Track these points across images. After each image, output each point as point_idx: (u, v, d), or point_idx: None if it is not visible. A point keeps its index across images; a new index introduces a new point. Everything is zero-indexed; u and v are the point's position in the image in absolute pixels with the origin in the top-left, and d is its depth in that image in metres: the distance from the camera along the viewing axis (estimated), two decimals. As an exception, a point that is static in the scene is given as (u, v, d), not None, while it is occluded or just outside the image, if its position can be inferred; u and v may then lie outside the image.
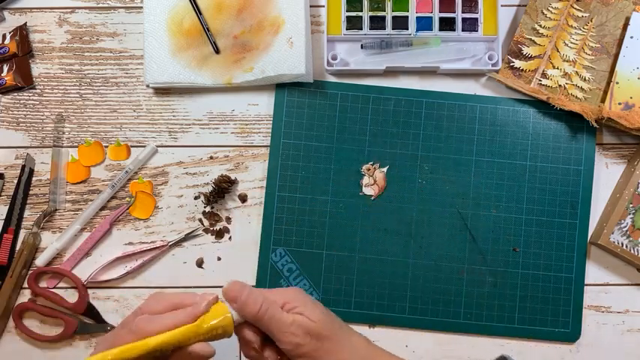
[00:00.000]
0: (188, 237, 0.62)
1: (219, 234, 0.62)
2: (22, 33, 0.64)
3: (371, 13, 0.63)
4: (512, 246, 0.62)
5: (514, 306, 0.61)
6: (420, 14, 0.63)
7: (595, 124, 0.60)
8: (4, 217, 0.62)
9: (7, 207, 0.62)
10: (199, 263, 0.62)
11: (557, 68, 0.62)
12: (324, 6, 0.64)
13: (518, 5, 0.65)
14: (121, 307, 0.61)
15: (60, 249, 0.61)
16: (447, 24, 0.63)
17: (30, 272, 0.61)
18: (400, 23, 0.63)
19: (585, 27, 0.63)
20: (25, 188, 0.62)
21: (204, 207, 0.63)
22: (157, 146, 0.63)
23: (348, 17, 0.62)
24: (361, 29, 0.63)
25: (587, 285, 0.62)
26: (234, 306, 0.42)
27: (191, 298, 0.42)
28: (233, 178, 0.62)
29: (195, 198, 0.63)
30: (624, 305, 0.62)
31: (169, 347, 0.39)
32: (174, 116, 0.64)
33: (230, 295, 0.43)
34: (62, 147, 0.63)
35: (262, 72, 0.62)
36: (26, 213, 0.62)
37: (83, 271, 0.61)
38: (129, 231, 0.62)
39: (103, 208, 0.62)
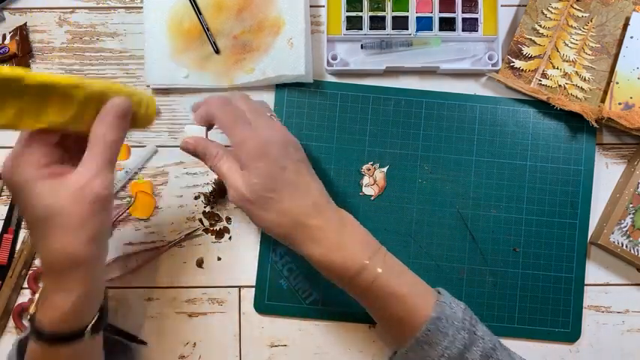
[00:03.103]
0: (188, 237, 0.62)
1: (219, 234, 0.62)
2: (22, 33, 0.64)
3: (371, 13, 0.63)
4: (512, 246, 0.62)
5: (514, 306, 0.61)
6: (420, 14, 0.63)
7: (595, 124, 0.60)
8: (4, 217, 0.62)
9: (7, 207, 0.62)
10: (199, 263, 0.62)
11: (557, 68, 0.62)
12: (324, 6, 0.64)
13: (518, 5, 0.65)
14: (121, 307, 0.61)
15: (60, 249, 0.61)
16: (447, 24, 0.63)
17: (30, 272, 0.61)
18: (400, 23, 0.63)
19: (585, 27, 0.63)
20: (25, 188, 0.62)
21: (204, 207, 0.63)
22: (157, 146, 0.63)
23: (348, 17, 0.62)
24: (361, 29, 0.63)
25: (587, 285, 0.62)
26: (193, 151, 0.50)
27: None
28: (233, 178, 0.62)
29: (196, 198, 0.63)
30: (624, 305, 0.62)
31: (95, 92, 0.38)
32: (174, 116, 0.64)
33: (185, 149, 0.50)
34: (62, 147, 0.63)
35: (263, 73, 0.62)
36: (26, 213, 0.62)
37: (83, 271, 0.61)
38: (129, 231, 0.62)
39: (103, 208, 0.62)
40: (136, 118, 0.41)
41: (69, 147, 0.43)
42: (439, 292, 0.50)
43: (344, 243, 0.47)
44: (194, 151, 0.50)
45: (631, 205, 0.60)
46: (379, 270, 0.47)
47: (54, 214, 0.38)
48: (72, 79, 0.38)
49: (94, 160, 0.39)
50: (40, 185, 0.39)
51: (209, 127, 0.51)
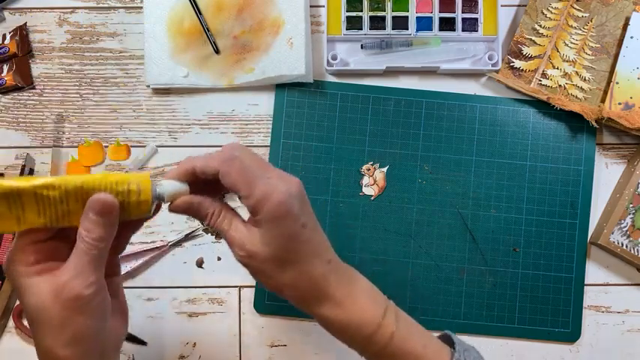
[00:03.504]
0: (188, 237, 0.62)
1: (219, 234, 0.62)
2: (22, 33, 0.64)
3: (371, 13, 0.63)
4: (512, 246, 0.62)
5: (514, 306, 0.61)
6: (420, 14, 0.63)
7: (595, 124, 0.60)
8: (4, 217, 0.62)
9: (7, 207, 0.62)
10: (199, 263, 0.62)
11: (557, 68, 0.62)
12: (324, 6, 0.64)
13: (518, 5, 0.65)
14: (121, 307, 0.61)
15: (60, 249, 0.61)
16: (447, 24, 0.63)
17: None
18: (400, 23, 0.63)
19: (585, 27, 0.63)
20: (25, 188, 0.62)
21: (204, 207, 0.62)
22: (157, 146, 0.63)
23: (348, 17, 0.62)
24: (361, 29, 0.63)
25: (587, 285, 0.62)
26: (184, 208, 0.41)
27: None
28: (233, 178, 0.62)
29: (195, 198, 0.63)
30: (624, 305, 0.62)
31: (71, 189, 0.37)
32: (174, 116, 0.64)
33: (177, 211, 0.41)
34: (62, 147, 0.63)
35: (263, 72, 0.62)
36: (26, 213, 0.62)
37: (83, 271, 0.61)
38: (129, 231, 0.62)
39: (103, 208, 0.62)
40: (126, 207, 0.38)
41: (70, 238, 0.40)
42: (450, 337, 0.48)
43: (358, 301, 0.44)
44: (186, 212, 0.42)
45: (631, 205, 0.60)
46: (394, 328, 0.44)
47: (38, 313, 0.37)
48: (44, 181, 0.36)
49: (77, 259, 0.37)
50: (29, 283, 0.38)
51: (195, 182, 0.43)
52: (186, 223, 0.62)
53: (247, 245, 0.41)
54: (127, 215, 0.39)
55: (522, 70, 0.62)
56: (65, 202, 0.37)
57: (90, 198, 0.37)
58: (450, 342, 0.47)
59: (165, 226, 0.62)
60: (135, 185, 0.38)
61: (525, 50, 0.62)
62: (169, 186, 0.40)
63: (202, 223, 0.43)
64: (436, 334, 0.48)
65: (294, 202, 0.41)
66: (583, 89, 0.62)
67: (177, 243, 0.62)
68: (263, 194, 0.40)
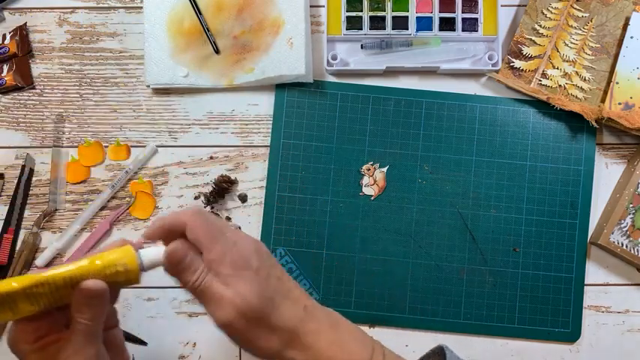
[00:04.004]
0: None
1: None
2: (22, 33, 0.64)
3: (371, 13, 0.63)
4: (512, 246, 0.62)
5: (514, 306, 0.61)
6: (420, 14, 0.63)
7: (595, 124, 0.60)
8: (4, 217, 0.62)
9: (7, 207, 0.62)
10: (199, 263, 0.62)
11: (557, 68, 0.62)
12: (324, 6, 0.64)
13: (518, 5, 0.65)
14: (120, 307, 0.61)
15: (60, 249, 0.61)
16: (447, 24, 0.63)
17: (30, 272, 0.61)
18: (400, 23, 0.63)
19: (585, 27, 0.63)
20: (25, 188, 0.62)
21: (204, 207, 0.63)
22: (157, 146, 0.63)
23: (348, 17, 0.62)
24: (361, 29, 0.63)
25: (587, 285, 0.62)
26: (171, 269, 0.41)
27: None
28: (233, 178, 0.62)
29: (195, 198, 0.63)
30: (624, 305, 0.62)
31: (60, 282, 0.38)
32: (174, 116, 0.64)
33: (173, 261, 0.41)
34: (62, 147, 0.63)
35: (263, 72, 0.62)
36: (26, 213, 0.62)
37: (83, 271, 0.61)
38: (129, 231, 0.62)
39: (103, 208, 0.62)
40: (117, 284, 0.41)
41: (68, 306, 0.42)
42: (443, 349, 0.47)
43: (343, 343, 0.43)
44: (179, 263, 0.41)
45: (631, 205, 0.60)
46: None
47: None
48: (33, 280, 0.38)
49: (75, 337, 0.40)
50: (33, 358, 0.40)
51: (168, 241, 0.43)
52: (186, 223, 0.62)
53: (230, 302, 0.40)
54: (118, 287, 0.42)
55: (522, 70, 0.62)
56: (56, 291, 0.39)
57: (79, 286, 0.39)
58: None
59: (165, 226, 0.62)
60: (122, 266, 0.40)
61: (525, 50, 0.62)
62: (151, 254, 0.41)
63: (183, 281, 0.41)
64: (433, 345, 0.47)
65: (252, 254, 0.41)
66: (583, 89, 0.62)
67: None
68: (222, 251, 0.40)
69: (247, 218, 0.63)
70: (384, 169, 0.62)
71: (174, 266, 0.41)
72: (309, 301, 0.44)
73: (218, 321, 0.40)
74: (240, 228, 0.62)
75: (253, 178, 0.63)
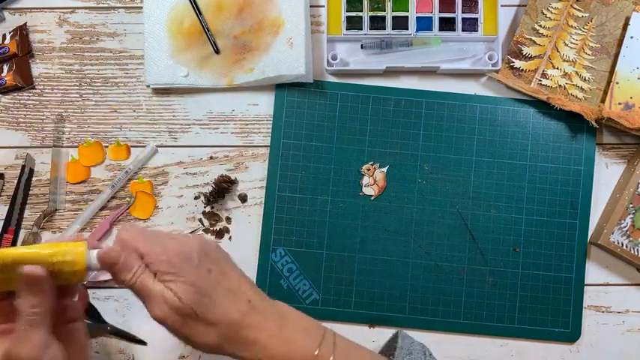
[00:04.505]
0: None
1: (219, 234, 0.62)
2: (22, 33, 0.64)
3: (371, 13, 0.63)
4: (512, 246, 0.62)
5: (514, 306, 0.61)
6: (420, 14, 0.63)
7: (595, 124, 0.60)
8: (4, 217, 0.62)
9: (7, 207, 0.62)
10: (199, 263, 0.62)
11: (557, 68, 0.62)
12: (324, 6, 0.64)
13: (518, 5, 0.65)
14: (120, 307, 0.61)
15: (60, 249, 0.61)
16: (447, 24, 0.63)
17: (30, 272, 0.61)
18: (400, 23, 0.63)
19: (585, 27, 0.63)
20: (25, 188, 0.62)
21: (204, 207, 0.63)
22: (157, 146, 0.63)
23: (348, 17, 0.62)
24: (361, 29, 0.63)
25: (587, 285, 0.62)
26: (109, 270, 0.43)
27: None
28: (233, 178, 0.62)
29: (195, 198, 0.63)
30: (624, 305, 0.62)
31: (8, 261, 0.40)
32: (174, 116, 0.64)
33: (106, 261, 0.42)
34: (62, 147, 0.63)
35: (262, 72, 0.62)
36: (26, 213, 0.62)
37: (83, 271, 0.61)
38: (129, 231, 0.62)
39: (103, 208, 0.62)
40: (64, 275, 0.42)
41: None
42: (397, 336, 0.49)
43: (289, 338, 0.44)
44: (115, 263, 0.42)
45: (631, 205, 0.60)
46: (331, 355, 0.44)
47: None
48: None
49: (19, 325, 0.41)
50: None
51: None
52: (186, 224, 0.62)
53: (166, 299, 0.41)
54: (65, 281, 0.43)
55: (522, 70, 0.62)
56: (4, 271, 0.40)
57: (20, 270, 0.40)
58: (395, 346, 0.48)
59: (165, 225, 0.62)
60: (70, 257, 0.41)
61: (525, 50, 0.62)
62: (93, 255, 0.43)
63: (119, 280, 0.43)
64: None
65: (191, 252, 0.42)
66: (583, 89, 0.62)
67: None
68: (157, 249, 0.42)
69: (247, 218, 0.63)
70: (384, 169, 0.62)
71: (109, 267, 0.42)
72: (257, 295, 0.45)
73: (153, 317, 0.42)
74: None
75: (253, 178, 0.63)
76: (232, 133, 0.64)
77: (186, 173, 0.63)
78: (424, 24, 0.63)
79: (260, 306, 0.44)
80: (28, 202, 0.63)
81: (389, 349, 0.53)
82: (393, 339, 0.52)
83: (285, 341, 0.43)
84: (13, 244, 0.61)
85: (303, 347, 0.44)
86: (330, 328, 0.47)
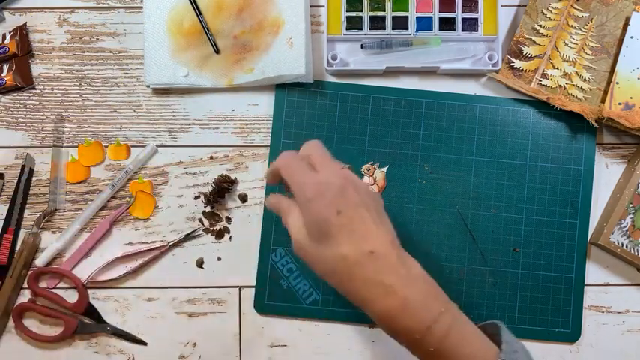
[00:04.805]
0: (188, 237, 0.62)
1: (219, 234, 0.62)
2: (22, 33, 0.64)
3: (371, 13, 0.63)
4: (512, 246, 0.62)
5: (514, 306, 0.61)
6: (420, 14, 0.63)
7: (595, 124, 0.60)
8: (4, 217, 0.62)
9: (7, 207, 0.62)
10: (199, 263, 0.62)
11: (557, 68, 0.62)
12: (324, 6, 0.64)
13: (518, 5, 0.65)
14: (120, 307, 0.61)
15: (60, 249, 0.61)
16: (447, 24, 0.63)
17: (30, 272, 0.61)
18: (400, 23, 0.63)
19: (585, 27, 0.63)
20: (25, 188, 0.62)
21: (204, 207, 0.63)
22: (157, 146, 0.63)
23: (348, 17, 0.62)
24: (361, 29, 0.63)
25: (587, 285, 0.62)
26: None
27: None
28: (233, 178, 0.62)
29: (195, 198, 0.63)
30: (624, 305, 0.62)
31: None
32: (174, 116, 0.64)
33: (272, 208, 0.51)
34: (62, 147, 0.63)
35: (262, 72, 0.62)
36: (26, 213, 0.62)
37: (83, 271, 0.61)
38: (129, 231, 0.62)
39: (103, 208, 0.62)
40: None
41: None
42: (499, 328, 0.48)
43: (410, 300, 0.43)
44: (272, 209, 0.51)
45: (631, 205, 0.60)
46: (444, 333, 0.43)
47: None
48: None
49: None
50: None
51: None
52: (187, 224, 0.62)
53: (294, 232, 0.46)
54: None
55: (522, 70, 0.62)
56: None
57: None
58: (498, 339, 0.47)
59: (165, 225, 0.62)
60: None
61: (525, 50, 0.62)
62: None
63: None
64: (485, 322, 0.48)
65: (327, 190, 0.44)
66: (583, 89, 0.62)
67: (178, 243, 0.62)
68: (298, 185, 0.46)
69: (247, 218, 0.63)
70: (384, 169, 0.62)
71: (274, 211, 0.50)
72: (384, 247, 0.44)
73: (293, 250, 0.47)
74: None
75: (253, 178, 0.63)
76: (232, 133, 0.64)
77: (186, 173, 0.63)
78: (424, 24, 0.63)
79: (384, 259, 0.44)
80: (28, 202, 0.63)
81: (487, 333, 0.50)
82: (491, 327, 0.50)
83: (403, 303, 0.43)
84: (13, 244, 0.61)
85: (420, 313, 0.43)
86: (454, 303, 0.47)
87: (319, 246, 0.44)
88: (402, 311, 0.43)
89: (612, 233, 0.60)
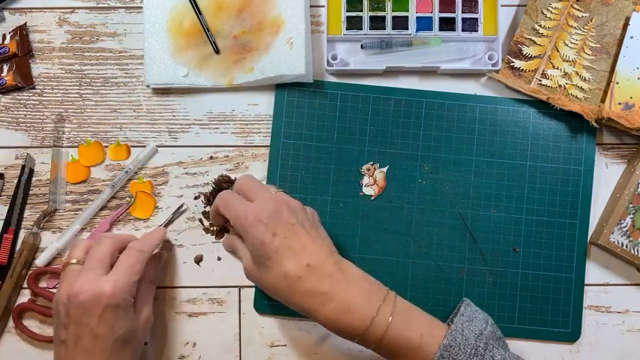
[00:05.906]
0: (176, 215, 0.62)
1: (219, 234, 0.62)
2: (22, 33, 0.64)
3: (371, 13, 0.63)
4: (512, 246, 0.62)
5: (514, 306, 0.61)
6: (420, 14, 0.63)
7: (595, 124, 0.60)
8: (4, 217, 0.62)
9: (7, 207, 0.62)
10: (198, 260, 0.62)
11: (557, 68, 0.62)
12: (324, 6, 0.64)
13: (518, 5, 0.65)
14: (121, 307, 0.61)
15: (60, 249, 0.61)
16: (447, 24, 0.63)
17: (30, 272, 0.61)
18: (400, 23, 0.63)
19: (585, 27, 0.63)
20: (25, 188, 0.62)
21: (204, 207, 0.63)
22: (157, 146, 0.63)
23: (348, 17, 0.62)
24: (361, 29, 0.63)
25: (587, 285, 0.62)
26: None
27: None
28: (233, 178, 0.62)
29: (195, 198, 0.63)
30: (624, 305, 0.62)
31: None
32: (174, 116, 0.64)
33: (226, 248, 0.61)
34: (62, 147, 0.63)
35: (262, 72, 0.62)
36: (26, 213, 0.62)
37: (83, 271, 0.61)
38: (129, 231, 0.62)
39: (103, 208, 0.62)
40: None
41: None
42: (461, 306, 0.53)
43: (348, 302, 0.47)
44: (227, 249, 0.61)
45: (631, 205, 0.60)
46: (388, 322, 0.47)
47: None
48: None
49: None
50: None
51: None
52: (186, 223, 0.62)
53: (242, 260, 0.52)
54: None
55: (522, 70, 0.62)
56: None
57: None
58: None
59: (165, 226, 0.62)
60: None
61: (525, 50, 0.63)
62: None
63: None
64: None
65: (261, 216, 0.48)
66: (583, 89, 0.62)
67: (170, 222, 0.62)
68: (235, 216, 0.50)
69: (247, 218, 0.62)
70: (384, 169, 0.62)
71: (229, 250, 0.61)
72: (319, 258, 0.48)
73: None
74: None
75: (253, 178, 0.63)
76: (232, 133, 0.64)
77: (186, 173, 0.63)
78: (424, 24, 0.63)
79: (321, 269, 0.48)
80: (28, 202, 0.63)
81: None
82: (457, 308, 0.54)
83: (346, 306, 0.47)
84: (13, 244, 0.61)
85: (361, 311, 0.47)
86: (392, 291, 0.50)
87: (261, 269, 0.49)
88: (343, 314, 0.47)
89: (612, 233, 0.60)
